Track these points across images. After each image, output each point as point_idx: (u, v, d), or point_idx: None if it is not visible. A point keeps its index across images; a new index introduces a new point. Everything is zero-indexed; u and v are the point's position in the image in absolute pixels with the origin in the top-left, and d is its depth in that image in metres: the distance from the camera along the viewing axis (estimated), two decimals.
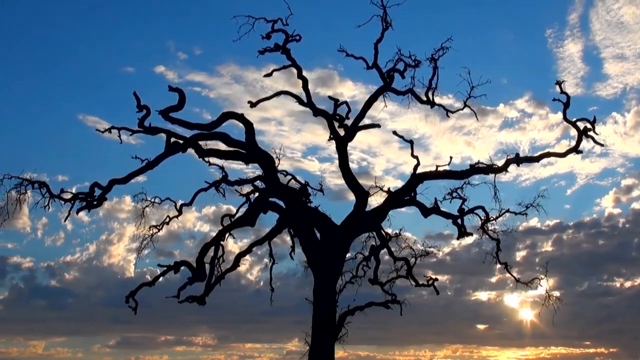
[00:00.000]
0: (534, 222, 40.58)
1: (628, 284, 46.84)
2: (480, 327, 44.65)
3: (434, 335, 48.04)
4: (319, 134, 44.29)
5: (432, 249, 21.62)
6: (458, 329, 46.23)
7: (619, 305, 46.05)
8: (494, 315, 41.69)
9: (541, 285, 21.00)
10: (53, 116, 54.44)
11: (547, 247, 45.98)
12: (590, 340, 46.63)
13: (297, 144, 47.33)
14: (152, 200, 20.20)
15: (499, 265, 21.24)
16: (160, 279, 19.09)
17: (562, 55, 50.03)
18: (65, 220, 18.25)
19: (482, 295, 41.81)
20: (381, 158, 48.33)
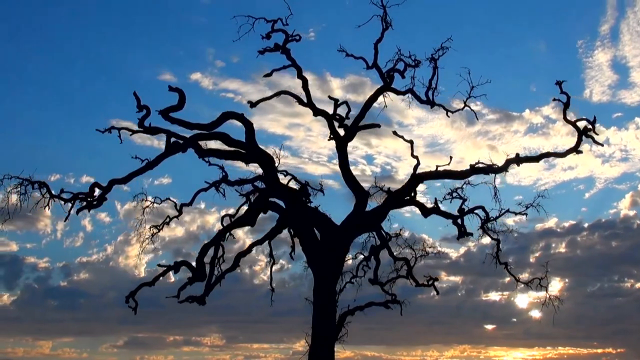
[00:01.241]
0: (550, 223, 42.32)
1: (639, 284, 47.37)
2: (489, 327, 45.01)
3: (443, 336, 48.65)
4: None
5: (431, 249, 21.55)
6: (467, 329, 46.73)
7: (629, 306, 46.46)
8: (503, 315, 42.05)
9: (542, 286, 20.97)
10: (89, 120, 55.12)
11: (562, 248, 46.89)
12: (598, 340, 47.17)
13: (324, 149, 48.30)
14: (153, 200, 20.26)
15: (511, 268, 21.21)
16: (174, 279, 19.10)
17: (591, 65, 51.46)
18: (65, 220, 18.33)
19: (493, 296, 42.14)
20: (405, 162, 49.11)
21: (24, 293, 50.38)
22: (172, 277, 19.29)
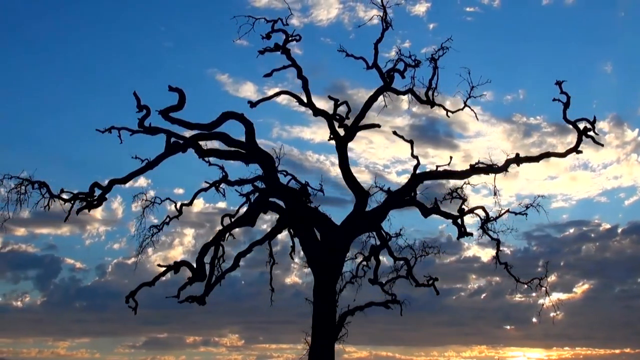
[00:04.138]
0: (585, 228, 45.93)
1: None
2: (510, 328, 45.57)
3: (464, 337, 49.35)
4: (405, 151, 46.66)
5: (431, 249, 21.48)
6: (488, 330, 47.46)
7: None
8: (525, 317, 42.45)
9: (541, 286, 20.99)
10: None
11: (592, 251, 48.50)
12: (618, 341, 47.81)
13: (383, 160, 50.73)
14: (152, 200, 20.26)
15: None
16: None
17: None
18: (65, 220, 18.28)
19: (518, 298, 42.74)
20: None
21: (54, 294, 50.62)
22: None
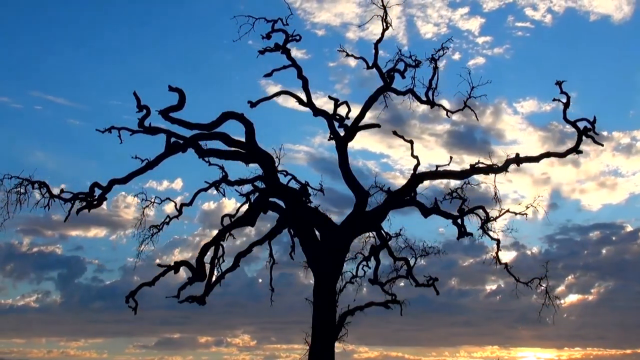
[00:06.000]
0: (608, 230, 46.83)
1: None
2: (523, 328, 45.80)
3: (477, 337, 49.63)
4: (440, 157, 47.08)
5: (432, 248, 21.49)
6: (502, 330, 47.76)
7: None
8: (540, 317, 42.78)
9: (542, 286, 21.01)
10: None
11: (611, 253, 49.04)
12: (628, 342, 48.11)
13: (421, 167, 51.68)
14: (153, 200, 20.26)
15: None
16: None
17: None
18: (65, 220, 18.27)
19: (532, 298, 43.19)
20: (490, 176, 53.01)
21: (74, 295, 50.31)
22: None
